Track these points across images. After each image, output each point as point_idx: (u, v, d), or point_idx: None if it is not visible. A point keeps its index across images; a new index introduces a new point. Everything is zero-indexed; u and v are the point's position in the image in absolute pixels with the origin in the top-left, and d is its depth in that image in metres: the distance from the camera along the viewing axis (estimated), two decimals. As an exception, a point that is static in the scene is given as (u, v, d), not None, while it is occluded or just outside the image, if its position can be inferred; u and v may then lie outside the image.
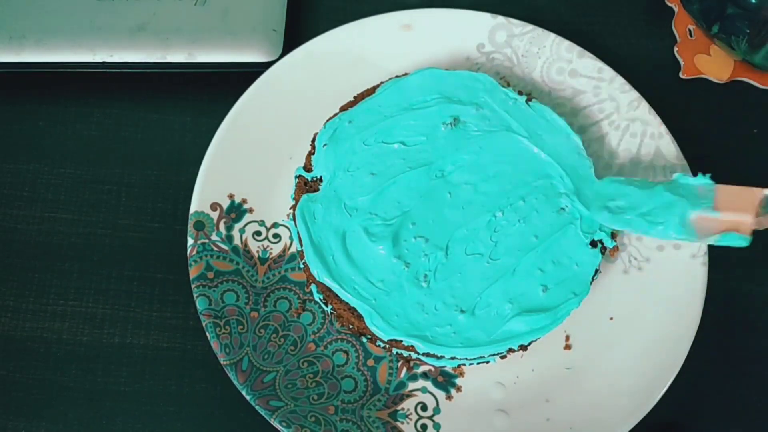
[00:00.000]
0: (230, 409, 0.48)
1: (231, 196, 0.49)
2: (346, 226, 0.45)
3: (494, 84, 0.49)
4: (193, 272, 0.47)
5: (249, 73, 0.52)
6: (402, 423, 0.46)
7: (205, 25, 0.53)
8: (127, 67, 0.53)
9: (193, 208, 0.48)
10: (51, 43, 0.52)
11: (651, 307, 0.48)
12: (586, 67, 0.52)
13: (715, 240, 0.42)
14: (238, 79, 0.52)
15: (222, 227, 0.49)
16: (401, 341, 0.43)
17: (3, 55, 0.52)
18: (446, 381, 0.47)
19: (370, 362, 0.47)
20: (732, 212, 0.42)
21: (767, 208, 0.41)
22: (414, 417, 0.46)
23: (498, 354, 0.44)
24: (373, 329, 0.43)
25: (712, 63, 0.56)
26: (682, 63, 0.56)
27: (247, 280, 0.48)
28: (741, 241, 0.42)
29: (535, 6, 0.58)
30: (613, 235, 0.46)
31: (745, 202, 0.41)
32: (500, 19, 0.53)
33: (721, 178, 0.53)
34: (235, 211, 0.49)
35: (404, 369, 0.47)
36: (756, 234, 0.52)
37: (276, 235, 0.50)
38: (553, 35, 0.53)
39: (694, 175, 0.44)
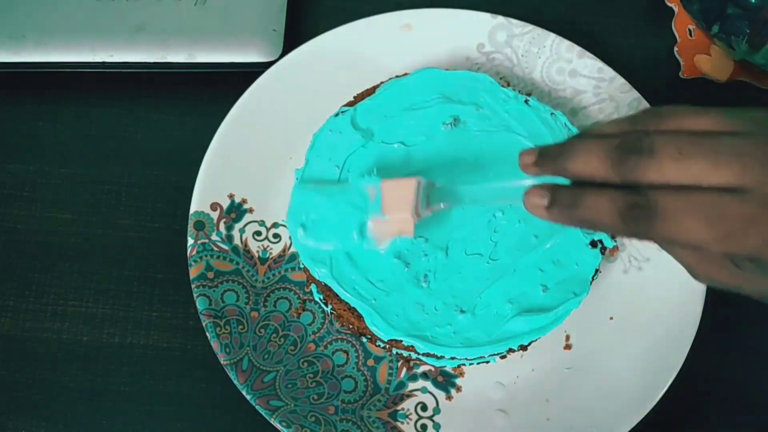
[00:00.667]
0: (230, 409, 0.48)
1: (231, 196, 0.49)
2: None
3: (494, 84, 0.49)
4: (193, 272, 0.47)
5: (249, 73, 0.52)
6: (402, 423, 0.46)
7: (205, 25, 0.53)
8: (127, 67, 0.53)
9: (193, 208, 0.48)
10: (51, 43, 0.52)
11: (651, 307, 0.48)
12: (586, 67, 0.52)
13: (388, 245, 0.42)
14: (238, 79, 0.52)
15: (222, 227, 0.49)
16: (401, 341, 0.43)
17: (3, 55, 0.52)
18: (446, 381, 0.47)
19: (370, 362, 0.47)
20: (395, 212, 0.40)
21: (425, 197, 0.40)
22: (414, 417, 0.46)
23: (498, 354, 0.44)
24: (373, 329, 0.43)
25: (712, 63, 0.56)
26: (682, 63, 0.56)
27: (247, 280, 0.48)
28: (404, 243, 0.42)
29: (535, 6, 0.58)
30: (613, 235, 0.46)
31: (403, 197, 0.40)
32: (500, 19, 0.53)
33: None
34: (235, 211, 0.49)
35: (404, 369, 0.47)
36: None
37: (276, 235, 0.50)
38: (553, 35, 0.53)
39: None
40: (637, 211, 0.30)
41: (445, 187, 0.40)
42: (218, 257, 0.48)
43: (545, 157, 0.34)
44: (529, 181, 0.35)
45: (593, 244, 0.45)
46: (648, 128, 0.31)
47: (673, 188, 0.30)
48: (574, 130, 0.47)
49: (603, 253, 0.45)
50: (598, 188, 0.32)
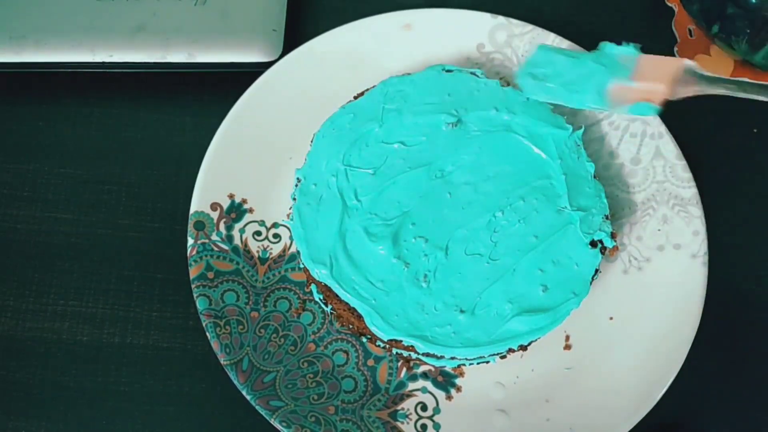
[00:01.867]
0: (230, 409, 0.48)
1: (231, 196, 0.49)
2: (345, 226, 0.45)
3: (495, 84, 0.49)
4: (193, 272, 0.47)
5: (249, 73, 0.52)
6: (402, 423, 0.46)
7: (205, 25, 0.53)
8: (127, 67, 0.53)
9: (193, 208, 0.48)
10: (51, 43, 0.52)
11: (651, 307, 0.48)
12: (586, 67, 0.52)
13: (627, 109, 0.41)
14: (238, 79, 0.52)
15: (222, 227, 0.49)
16: (401, 341, 0.43)
17: (3, 55, 0.52)
18: (446, 381, 0.47)
19: (370, 362, 0.47)
20: (648, 82, 0.40)
21: (683, 79, 0.40)
22: (414, 417, 0.46)
23: (498, 354, 0.44)
24: (373, 329, 0.43)
25: (712, 63, 0.56)
26: (682, 63, 0.56)
27: (247, 280, 0.48)
28: (650, 111, 0.41)
29: (535, 6, 0.58)
30: (613, 235, 0.46)
31: (663, 71, 0.40)
32: (500, 19, 0.53)
33: (721, 178, 0.53)
34: (235, 211, 0.49)
35: (404, 369, 0.47)
36: (758, 234, 0.52)
37: (276, 235, 0.50)
38: (553, 35, 0.53)
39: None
40: None
41: (718, 78, 0.40)
42: (218, 257, 0.48)
43: None
44: None
45: (593, 244, 0.45)
46: None
47: None
48: (579, 135, 0.47)
49: (603, 253, 0.45)
50: None
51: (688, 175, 0.50)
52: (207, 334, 0.46)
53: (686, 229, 0.49)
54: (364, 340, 0.47)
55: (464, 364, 0.46)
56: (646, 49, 0.57)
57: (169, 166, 0.53)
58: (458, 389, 0.47)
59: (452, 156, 0.46)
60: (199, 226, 0.48)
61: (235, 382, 0.45)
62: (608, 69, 0.41)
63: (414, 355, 0.45)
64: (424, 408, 0.46)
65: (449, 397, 0.47)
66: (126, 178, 0.53)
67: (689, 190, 0.49)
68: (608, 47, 0.43)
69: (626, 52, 0.42)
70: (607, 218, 0.46)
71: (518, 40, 0.53)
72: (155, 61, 0.52)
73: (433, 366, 0.47)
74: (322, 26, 0.54)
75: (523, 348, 0.45)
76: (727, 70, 0.56)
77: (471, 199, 0.45)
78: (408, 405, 0.46)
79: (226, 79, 0.54)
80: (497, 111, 0.47)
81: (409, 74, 0.49)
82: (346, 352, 0.47)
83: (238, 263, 0.48)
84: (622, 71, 0.41)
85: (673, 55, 0.57)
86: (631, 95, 0.41)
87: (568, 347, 0.48)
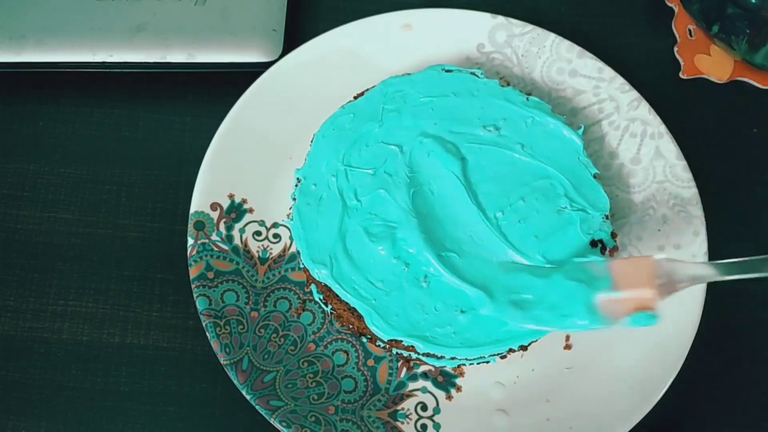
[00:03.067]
0: (230, 409, 0.48)
1: (231, 196, 0.49)
2: (346, 226, 0.45)
3: (495, 84, 0.49)
4: (193, 272, 0.47)
5: (249, 73, 0.52)
6: (402, 423, 0.46)
7: (205, 25, 0.53)
8: (127, 67, 0.53)
9: (193, 208, 0.48)
10: (51, 43, 0.52)
11: (651, 307, 0.48)
12: (586, 67, 0.52)
13: (627, 323, 0.39)
14: (238, 79, 0.52)
15: (222, 227, 0.49)
16: (401, 341, 0.43)
17: (3, 55, 0.52)
18: (446, 381, 0.47)
19: (370, 362, 0.47)
20: (631, 289, 0.39)
21: (662, 276, 0.38)
22: (414, 417, 0.46)
23: (498, 354, 0.44)
24: (373, 329, 0.43)
25: (712, 63, 0.56)
26: (682, 63, 0.56)
27: (247, 280, 0.48)
28: (651, 321, 0.38)
29: (535, 6, 0.58)
30: (613, 235, 0.46)
31: (640, 274, 0.39)
32: (500, 19, 0.53)
33: (721, 178, 0.53)
34: (235, 211, 0.49)
35: (404, 369, 0.47)
36: (758, 234, 0.52)
37: (276, 235, 0.50)
38: (553, 35, 0.53)
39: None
40: None
41: (688, 266, 0.38)
42: (218, 257, 0.48)
43: None
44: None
45: (593, 244, 0.45)
46: None
47: None
48: (579, 134, 0.47)
49: (603, 253, 0.45)
50: None
51: (688, 175, 0.50)
52: (207, 334, 0.46)
53: (686, 229, 0.49)
54: (364, 340, 0.47)
55: (464, 364, 0.46)
56: (646, 49, 0.57)
57: (169, 166, 0.53)
58: (458, 389, 0.47)
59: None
60: (199, 226, 0.48)
61: (235, 382, 0.45)
62: (587, 284, 0.40)
63: (414, 355, 0.45)
64: (424, 408, 0.46)
65: (449, 397, 0.47)
66: (126, 178, 0.53)
67: (689, 190, 0.49)
68: (572, 261, 0.42)
69: (594, 261, 0.41)
70: (607, 218, 0.46)
71: (518, 40, 0.53)
72: (155, 61, 0.52)
73: (433, 366, 0.47)
74: (322, 26, 0.54)
75: (523, 348, 0.45)
76: (727, 70, 0.56)
77: (471, 199, 0.45)
78: (408, 405, 0.46)
79: (226, 79, 0.54)
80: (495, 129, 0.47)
81: (409, 74, 0.49)
82: (346, 352, 0.47)
83: (238, 263, 0.48)
84: (601, 283, 0.40)
85: (674, 55, 0.57)
86: (622, 306, 0.39)
87: (568, 347, 0.48)
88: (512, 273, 0.43)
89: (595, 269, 0.41)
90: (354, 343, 0.48)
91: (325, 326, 0.48)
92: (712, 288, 0.47)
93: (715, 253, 0.48)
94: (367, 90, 0.49)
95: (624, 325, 0.39)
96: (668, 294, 0.38)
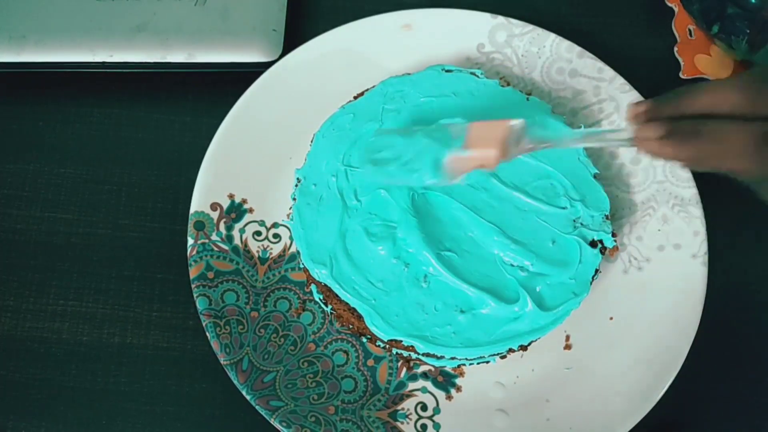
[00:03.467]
0: (230, 409, 0.48)
1: (231, 196, 0.49)
2: (346, 226, 0.45)
3: (495, 84, 0.49)
4: (193, 272, 0.47)
5: (249, 73, 0.52)
6: (402, 423, 0.46)
7: (205, 25, 0.53)
8: (127, 67, 0.53)
9: (193, 208, 0.48)
10: (51, 43, 0.52)
11: (651, 307, 0.48)
12: (586, 67, 0.52)
13: (463, 179, 0.41)
14: (238, 79, 0.52)
15: (222, 227, 0.49)
16: (401, 341, 0.43)
17: (3, 55, 0.52)
18: (446, 381, 0.47)
19: (370, 362, 0.47)
20: (480, 149, 0.40)
21: (514, 140, 0.39)
22: (414, 417, 0.46)
23: (498, 354, 0.44)
24: (373, 329, 0.43)
25: (712, 63, 0.56)
26: (682, 63, 0.56)
27: (247, 280, 0.48)
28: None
29: (535, 6, 0.58)
30: (613, 235, 0.46)
31: (493, 136, 0.40)
32: (500, 19, 0.53)
33: (721, 178, 0.53)
34: (235, 211, 0.49)
35: (404, 369, 0.47)
36: (758, 234, 0.52)
37: (276, 235, 0.50)
38: (553, 35, 0.53)
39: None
40: None
41: (540, 128, 0.40)
42: (218, 257, 0.48)
43: (664, 101, 0.33)
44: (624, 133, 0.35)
45: (593, 244, 0.45)
46: None
47: None
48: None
49: (603, 253, 0.45)
50: (724, 119, 0.31)
51: (688, 175, 0.50)
52: (207, 334, 0.46)
53: (686, 229, 0.49)
54: (364, 340, 0.47)
55: (464, 364, 0.46)
56: (646, 49, 0.57)
57: (169, 166, 0.53)
58: (458, 389, 0.47)
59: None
60: (199, 226, 0.48)
61: (235, 382, 0.45)
62: (441, 142, 0.41)
63: (414, 355, 0.45)
64: (424, 408, 0.46)
65: (449, 397, 0.47)
66: (126, 178, 0.53)
67: (689, 190, 0.49)
68: (441, 123, 0.43)
69: (457, 122, 0.42)
70: (607, 218, 0.46)
71: (518, 40, 0.53)
72: (155, 61, 0.52)
73: (433, 366, 0.47)
74: (322, 26, 0.54)
75: (523, 348, 0.45)
76: (727, 70, 0.56)
77: (470, 198, 0.45)
78: (408, 405, 0.46)
79: (226, 79, 0.54)
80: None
81: (409, 74, 0.49)
82: (346, 352, 0.47)
83: (238, 263, 0.48)
84: (455, 142, 0.41)
85: (674, 55, 0.57)
86: (466, 164, 0.40)
87: (568, 347, 0.48)
88: (382, 135, 0.44)
89: (455, 130, 0.41)
90: (354, 343, 0.48)
91: (325, 326, 0.48)
92: (712, 288, 0.48)
93: (715, 253, 0.49)
94: (367, 90, 0.49)
95: (461, 181, 0.42)
96: (514, 155, 0.40)
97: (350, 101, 0.49)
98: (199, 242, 0.48)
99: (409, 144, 0.42)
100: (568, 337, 0.48)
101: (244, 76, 0.52)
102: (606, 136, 0.40)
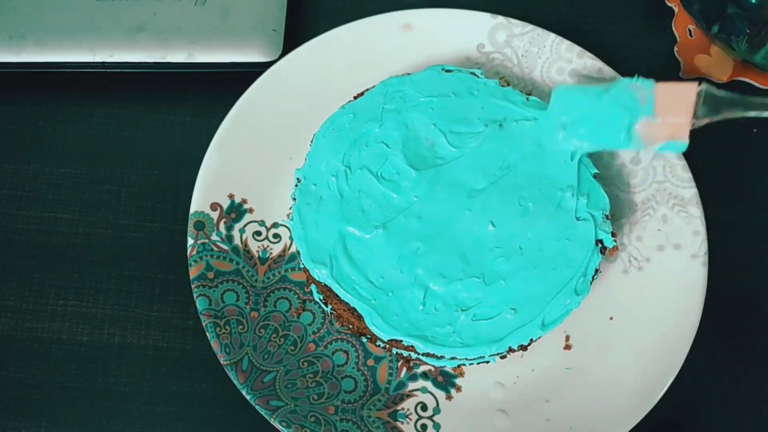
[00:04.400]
0: (230, 409, 0.48)
1: (231, 196, 0.49)
2: (346, 225, 0.45)
3: (495, 84, 0.49)
4: (193, 272, 0.47)
5: (249, 73, 0.52)
6: (402, 423, 0.46)
7: (205, 25, 0.53)
8: (127, 67, 0.53)
9: (193, 208, 0.48)
10: (51, 43, 0.52)
11: (651, 307, 0.48)
12: (586, 67, 0.52)
13: (658, 148, 0.43)
14: (238, 79, 0.52)
15: (222, 227, 0.49)
16: (401, 341, 0.43)
17: (3, 55, 0.52)
18: (446, 381, 0.47)
19: (370, 362, 0.47)
20: (670, 116, 0.41)
21: (704, 104, 0.41)
22: (414, 417, 0.46)
23: (498, 354, 0.44)
24: (373, 329, 0.43)
25: (712, 63, 0.56)
26: (682, 63, 0.56)
27: (247, 280, 0.48)
28: (680, 147, 0.43)
29: (535, 6, 0.58)
30: (613, 235, 0.46)
31: (682, 102, 0.41)
32: (500, 19, 0.53)
33: (720, 177, 0.53)
34: (235, 211, 0.49)
35: (404, 369, 0.47)
36: (758, 234, 0.52)
37: (276, 235, 0.50)
38: (553, 35, 0.53)
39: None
40: None
41: (733, 97, 0.41)
42: (218, 257, 0.48)
43: None
44: None
45: (593, 244, 0.45)
46: None
47: None
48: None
49: (603, 253, 0.45)
50: None
51: (688, 175, 0.50)
52: (207, 334, 0.46)
53: (686, 229, 0.49)
54: (364, 340, 0.47)
55: (464, 364, 0.46)
56: (646, 49, 0.57)
57: (169, 166, 0.53)
58: (458, 389, 0.47)
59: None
60: (199, 226, 0.48)
61: (235, 382, 0.45)
62: (629, 108, 0.42)
63: (414, 355, 0.45)
64: (424, 408, 0.46)
65: (449, 397, 0.47)
66: (126, 178, 0.53)
67: (689, 190, 0.49)
68: (622, 82, 0.44)
69: (642, 83, 0.43)
70: (607, 218, 0.46)
71: (518, 40, 0.53)
72: (155, 61, 0.52)
73: (433, 366, 0.47)
74: (322, 26, 0.54)
75: (523, 348, 0.45)
76: (727, 70, 0.56)
77: (471, 199, 0.45)
78: (408, 405, 0.46)
79: (226, 79, 0.54)
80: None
81: (409, 74, 0.49)
82: (346, 352, 0.47)
83: (238, 263, 0.48)
84: (644, 108, 0.42)
85: (674, 55, 0.57)
86: (657, 132, 0.42)
87: (568, 347, 0.48)
88: (562, 94, 0.45)
89: (641, 93, 0.42)
90: (354, 343, 0.48)
91: (325, 326, 0.48)
92: (712, 288, 0.47)
93: (715, 253, 0.49)
94: (367, 90, 0.49)
95: (655, 149, 0.43)
96: (703, 123, 0.41)
97: (350, 101, 0.49)
98: (199, 242, 0.48)
99: (595, 107, 0.43)
100: (568, 337, 0.48)
101: (244, 76, 0.52)
102: None
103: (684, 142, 0.42)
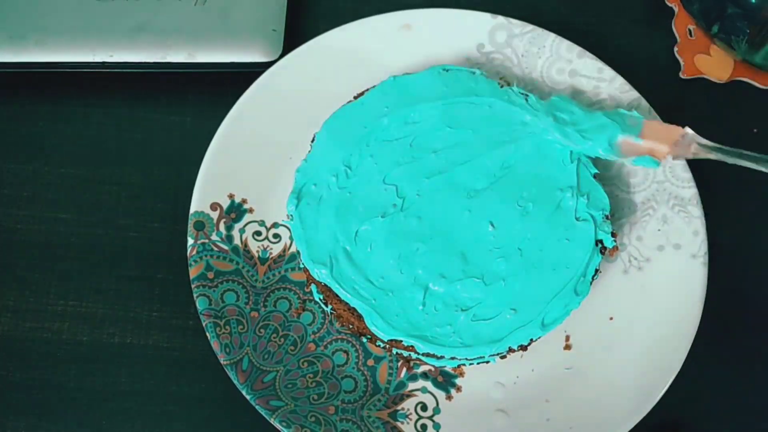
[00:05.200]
0: (230, 409, 0.48)
1: (231, 196, 0.49)
2: (345, 225, 0.45)
3: (495, 84, 0.49)
4: (193, 272, 0.47)
5: (249, 73, 0.52)
6: (402, 423, 0.46)
7: (205, 25, 0.53)
8: (127, 67, 0.53)
9: (193, 208, 0.48)
10: (51, 43, 0.52)
11: (651, 307, 0.48)
12: (586, 67, 0.52)
13: (632, 161, 0.47)
14: (238, 79, 0.52)
15: (222, 227, 0.49)
16: (401, 341, 0.43)
17: (3, 55, 0.52)
18: (446, 381, 0.47)
19: (370, 362, 0.47)
20: (653, 142, 0.46)
21: (686, 143, 0.45)
22: (414, 417, 0.46)
23: (498, 354, 0.44)
24: (373, 329, 0.43)
25: (712, 63, 0.56)
26: (682, 63, 0.56)
27: (247, 280, 0.48)
28: (653, 164, 0.46)
29: (535, 6, 0.58)
30: (613, 235, 0.46)
31: (666, 135, 0.46)
32: (500, 19, 0.53)
33: (721, 178, 0.53)
34: (235, 211, 0.49)
35: (404, 369, 0.47)
36: (758, 234, 0.52)
37: (276, 235, 0.50)
38: (553, 35, 0.53)
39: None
40: None
41: (714, 146, 0.45)
42: (218, 257, 0.48)
43: None
44: None
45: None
46: None
47: None
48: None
49: (603, 253, 0.45)
50: None
51: (688, 175, 0.50)
52: (207, 334, 0.46)
53: (686, 229, 0.49)
54: (364, 340, 0.47)
55: (464, 364, 0.46)
56: (646, 49, 0.57)
57: (169, 166, 0.53)
58: (458, 389, 0.47)
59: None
60: (199, 226, 0.48)
61: (235, 382, 0.45)
62: (619, 125, 0.47)
63: (414, 355, 0.45)
64: (424, 408, 0.46)
65: (449, 397, 0.47)
66: (126, 178, 0.53)
67: (689, 190, 0.49)
68: (620, 111, 0.48)
69: (634, 115, 0.48)
70: (607, 218, 0.46)
71: (518, 40, 0.53)
72: (155, 61, 0.52)
73: (433, 366, 0.47)
74: (322, 26, 0.54)
75: (523, 348, 0.45)
76: (727, 70, 0.56)
77: (471, 199, 0.45)
78: (408, 405, 0.46)
79: (226, 79, 0.54)
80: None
81: (409, 74, 0.49)
82: (346, 352, 0.47)
83: (238, 263, 0.48)
84: (632, 129, 0.47)
85: (674, 55, 0.57)
86: (636, 149, 0.46)
87: (568, 347, 0.48)
88: (562, 101, 0.49)
89: (631, 120, 0.47)
90: (354, 343, 0.48)
91: (325, 326, 0.48)
92: (712, 288, 0.47)
93: (715, 253, 0.49)
94: (367, 90, 0.49)
95: (629, 162, 0.47)
96: (680, 157, 0.46)
97: (350, 101, 0.49)
98: (199, 242, 0.48)
99: (588, 117, 0.47)
100: (568, 337, 0.48)
101: (244, 76, 0.52)
102: None
103: (658, 161, 0.46)
